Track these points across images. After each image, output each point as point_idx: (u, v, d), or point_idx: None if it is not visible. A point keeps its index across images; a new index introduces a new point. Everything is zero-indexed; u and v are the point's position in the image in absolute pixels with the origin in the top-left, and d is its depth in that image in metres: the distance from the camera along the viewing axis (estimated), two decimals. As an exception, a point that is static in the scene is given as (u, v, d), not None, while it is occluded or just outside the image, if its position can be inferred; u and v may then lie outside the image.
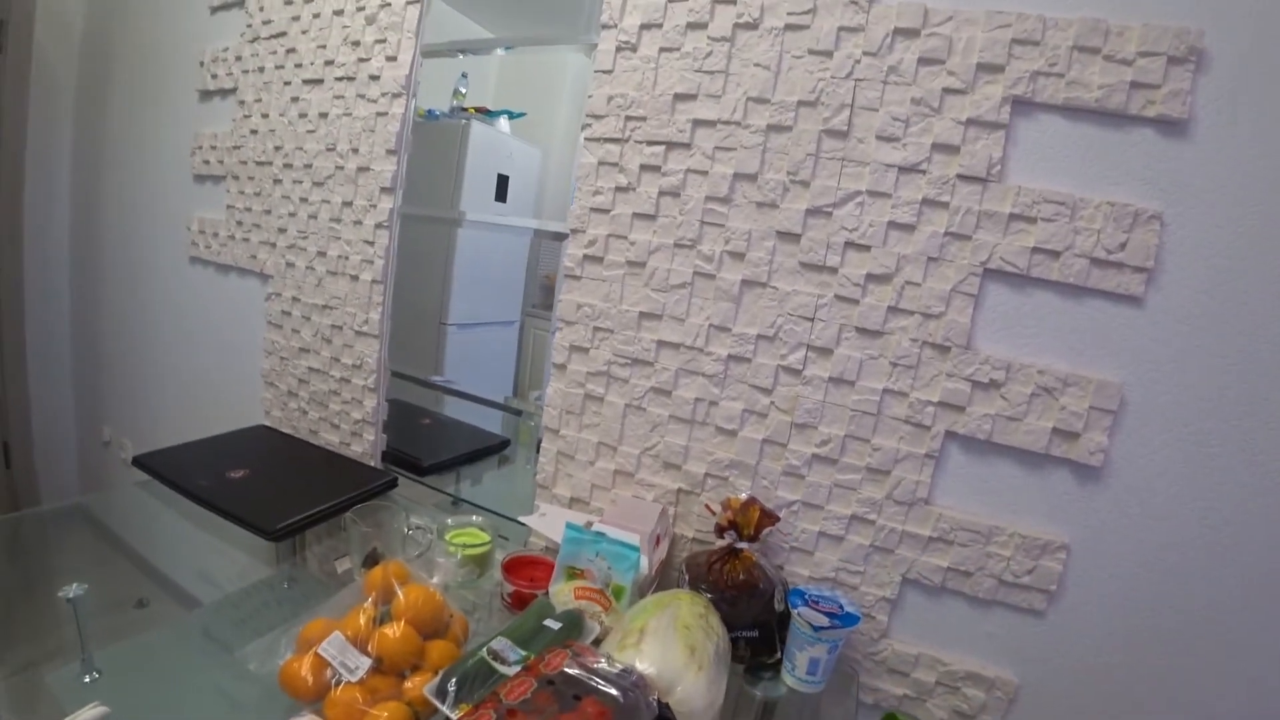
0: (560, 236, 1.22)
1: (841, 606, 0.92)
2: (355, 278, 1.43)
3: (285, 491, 1.24)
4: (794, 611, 0.91)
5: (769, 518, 0.98)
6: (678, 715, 0.68)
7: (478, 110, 1.65)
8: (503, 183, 1.71)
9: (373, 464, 1.45)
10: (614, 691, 0.63)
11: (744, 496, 0.99)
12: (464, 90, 1.66)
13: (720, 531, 0.99)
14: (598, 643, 0.81)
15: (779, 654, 0.94)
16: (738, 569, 0.96)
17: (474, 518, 1.13)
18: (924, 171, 0.93)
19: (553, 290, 1.68)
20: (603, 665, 0.67)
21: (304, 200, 1.51)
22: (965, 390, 0.93)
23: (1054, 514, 0.92)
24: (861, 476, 1.00)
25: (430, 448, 1.53)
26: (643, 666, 0.71)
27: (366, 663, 0.74)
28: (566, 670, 0.65)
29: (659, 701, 0.66)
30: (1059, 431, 0.90)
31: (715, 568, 0.97)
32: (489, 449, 1.60)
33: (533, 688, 0.62)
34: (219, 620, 1.05)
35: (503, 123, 1.71)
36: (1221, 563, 0.85)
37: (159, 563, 1.36)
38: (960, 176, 0.91)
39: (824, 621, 0.89)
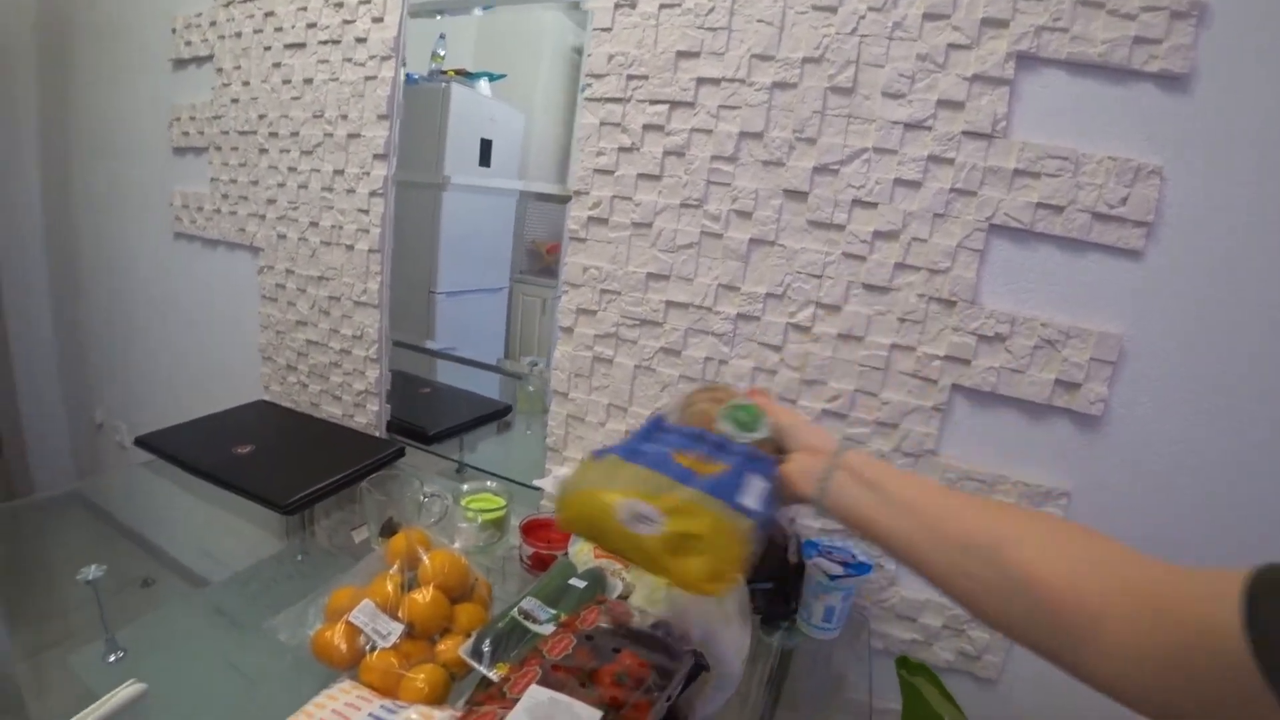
0: (549, 198, 1.20)
1: (854, 556, 0.96)
2: (351, 247, 1.41)
3: (294, 465, 1.24)
4: (809, 561, 0.94)
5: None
6: (710, 663, 0.70)
7: (457, 73, 1.60)
8: (486, 147, 1.67)
9: (378, 434, 1.45)
10: (650, 643, 0.65)
11: None
12: (442, 52, 1.61)
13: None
14: (624, 599, 0.83)
15: (793, 605, 0.97)
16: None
17: (488, 483, 1.14)
18: (930, 128, 0.93)
19: (540, 256, 1.67)
20: (636, 619, 0.69)
21: (293, 170, 1.47)
22: (971, 344, 0.95)
23: (1056, 463, 0.95)
24: (871, 430, 1.02)
25: (433, 416, 1.53)
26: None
27: (398, 628, 0.75)
28: (602, 625, 0.67)
29: (693, 651, 0.68)
30: (1060, 382, 0.92)
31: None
32: (492, 415, 1.60)
33: (573, 644, 0.64)
34: (232, 596, 1.05)
35: (483, 85, 1.65)
36: (1215, 509, 0.88)
37: (162, 543, 1.35)
38: (965, 133, 0.91)
39: (838, 570, 0.92)
